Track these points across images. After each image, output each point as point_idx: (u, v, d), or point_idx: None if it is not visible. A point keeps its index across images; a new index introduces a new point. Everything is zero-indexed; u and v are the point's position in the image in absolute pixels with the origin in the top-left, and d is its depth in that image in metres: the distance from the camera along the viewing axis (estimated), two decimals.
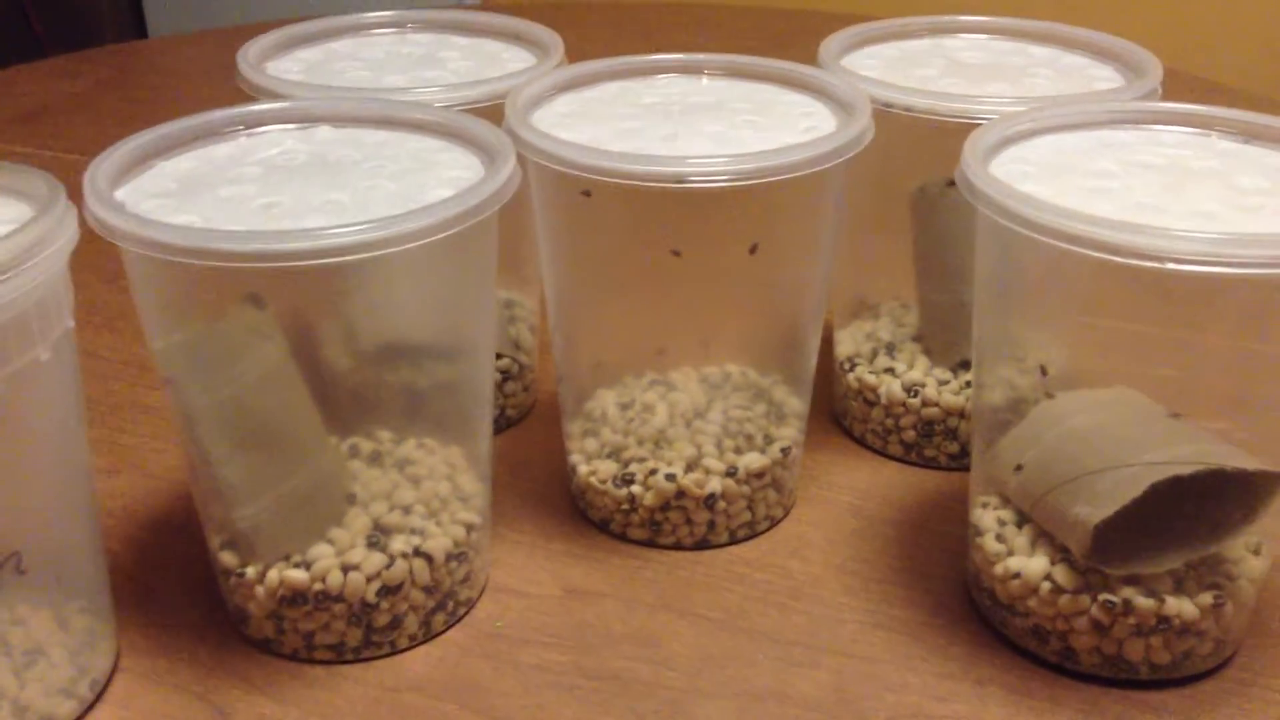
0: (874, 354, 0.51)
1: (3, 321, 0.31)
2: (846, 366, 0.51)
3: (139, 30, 2.01)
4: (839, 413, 0.52)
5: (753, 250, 0.41)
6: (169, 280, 0.35)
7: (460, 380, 0.41)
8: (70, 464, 0.36)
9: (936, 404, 0.48)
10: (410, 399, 0.41)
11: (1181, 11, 1.35)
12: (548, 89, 0.44)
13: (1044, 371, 0.38)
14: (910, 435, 0.49)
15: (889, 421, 0.50)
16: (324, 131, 0.41)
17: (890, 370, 0.50)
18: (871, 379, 0.50)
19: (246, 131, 0.41)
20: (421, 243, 0.33)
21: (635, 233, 0.41)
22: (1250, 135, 0.40)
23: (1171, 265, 0.31)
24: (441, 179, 0.38)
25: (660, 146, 0.41)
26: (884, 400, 0.49)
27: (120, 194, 0.36)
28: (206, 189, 0.37)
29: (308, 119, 0.41)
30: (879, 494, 0.48)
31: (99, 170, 0.36)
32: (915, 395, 0.49)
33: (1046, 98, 0.43)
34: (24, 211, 0.34)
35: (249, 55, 0.47)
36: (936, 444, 0.49)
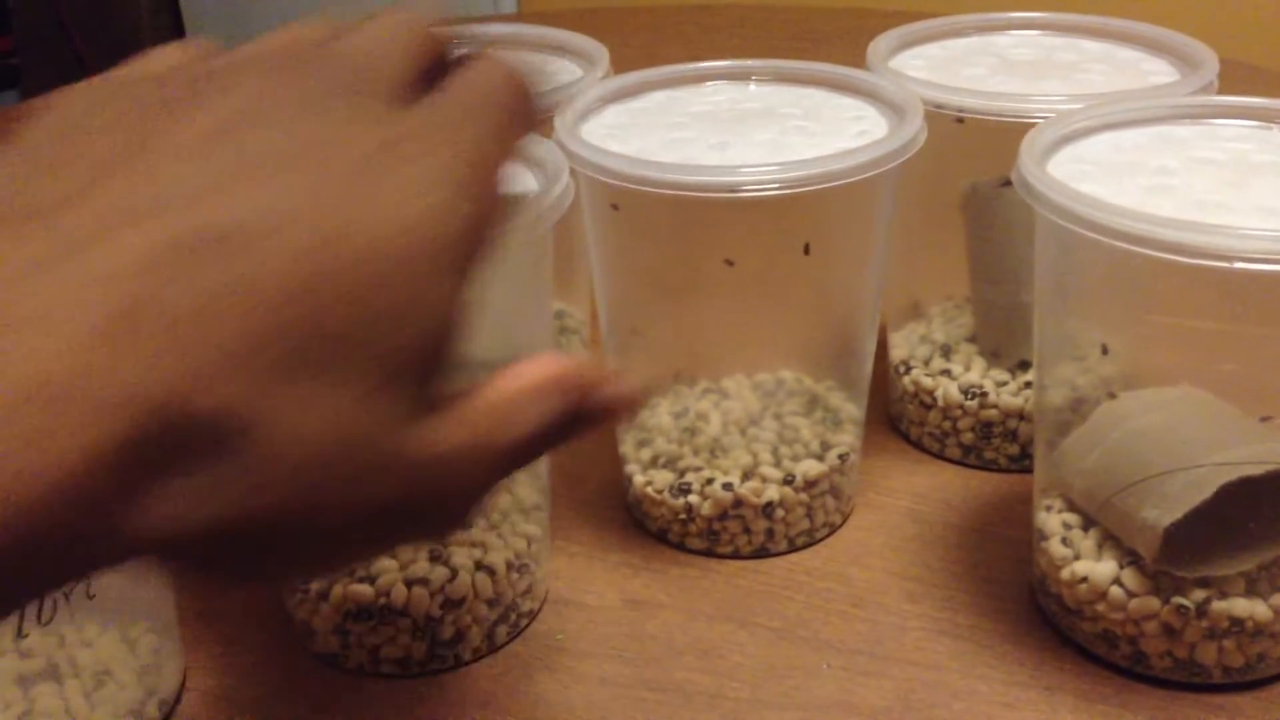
0: (929, 356, 0.50)
1: None
2: (902, 370, 0.51)
3: None
4: (895, 416, 0.52)
5: (806, 250, 0.41)
6: None
7: None
8: None
9: (995, 405, 0.48)
10: None
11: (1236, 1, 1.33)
12: (595, 101, 0.44)
13: (1105, 350, 0.38)
14: (969, 438, 0.49)
15: (946, 424, 0.49)
16: None
17: (947, 372, 0.49)
18: (928, 382, 0.49)
19: None
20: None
21: (687, 243, 0.41)
22: None
23: (1239, 264, 0.31)
24: None
25: (711, 156, 0.41)
26: (941, 403, 0.49)
27: None
28: None
29: None
30: (938, 498, 0.48)
31: None
32: (973, 397, 0.48)
33: (1101, 94, 0.43)
34: None
35: None
36: (996, 446, 0.49)
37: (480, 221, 0.19)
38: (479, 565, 0.39)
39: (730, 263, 0.40)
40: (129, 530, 0.16)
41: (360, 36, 0.21)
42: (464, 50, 0.21)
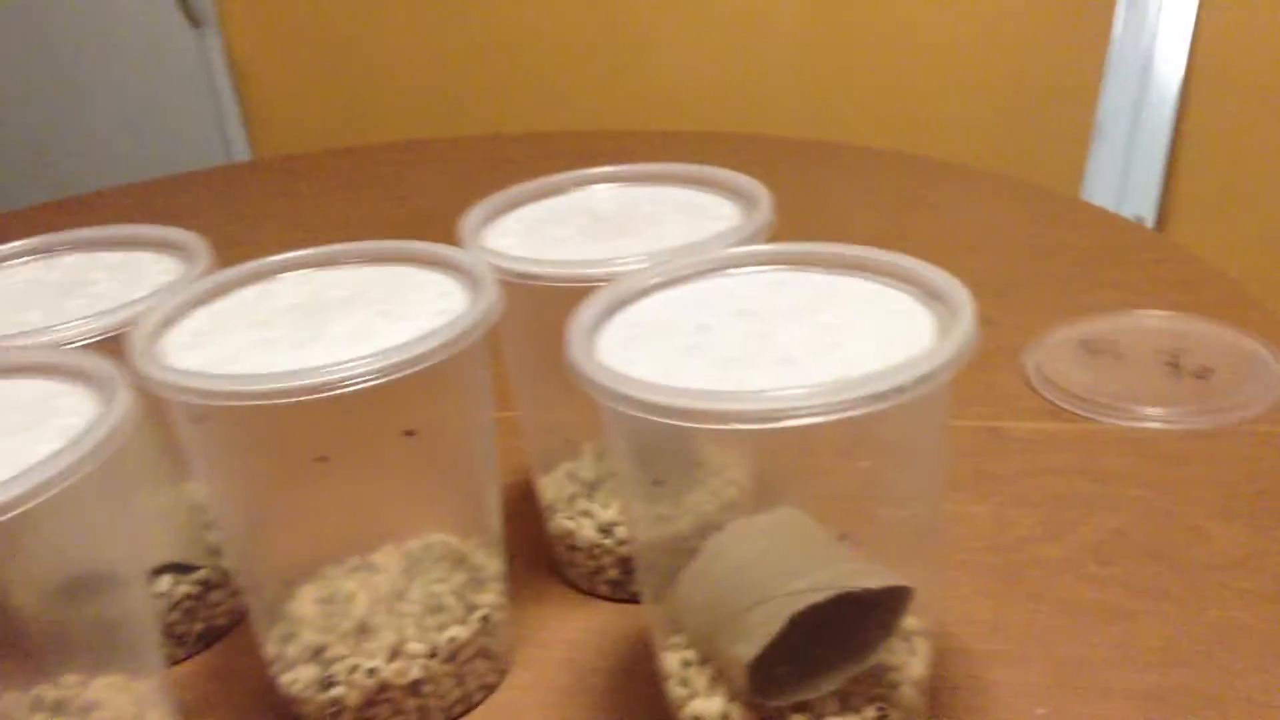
0: (573, 496, 0.52)
1: None
2: (548, 515, 0.52)
3: None
4: (552, 561, 0.53)
5: (410, 434, 0.42)
6: None
7: (118, 611, 0.39)
8: None
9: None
10: (85, 634, 0.40)
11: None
12: (180, 307, 0.44)
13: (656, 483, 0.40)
14: (614, 574, 0.50)
15: (592, 563, 0.50)
16: None
17: (586, 513, 0.51)
18: (569, 524, 0.51)
19: None
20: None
21: (279, 446, 0.41)
22: (843, 266, 0.42)
23: (736, 425, 0.33)
24: (57, 428, 0.37)
25: (293, 356, 0.41)
26: (583, 545, 0.50)
27: None
28: None
29: None
30: (591, 642, 0.49)
31: None
32: (609, 535, 0.50)
33: (666, 249, 0.45)
34: None
35: None
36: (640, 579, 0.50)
37: None
38: None
39: (325, 459, 0.40)
40: None
41: None
42: None
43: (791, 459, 0.39)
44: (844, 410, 0.33)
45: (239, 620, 0.52)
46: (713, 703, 0.40)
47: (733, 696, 0.39)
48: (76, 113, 1.80)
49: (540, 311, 0.45)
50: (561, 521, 0.51)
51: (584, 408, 0.51)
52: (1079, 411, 0.61)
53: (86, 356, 0.39)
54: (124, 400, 0.37)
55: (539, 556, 0.53)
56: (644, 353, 0.38)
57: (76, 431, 0.35)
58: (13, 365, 0.40)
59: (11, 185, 1.84)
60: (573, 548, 0.51)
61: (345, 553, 0.46)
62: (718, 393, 0.34)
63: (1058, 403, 0.62)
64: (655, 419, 0.34)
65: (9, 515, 0.32)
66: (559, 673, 0.47)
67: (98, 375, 0.39)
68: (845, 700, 0.39)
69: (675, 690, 0.41)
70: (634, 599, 0.50)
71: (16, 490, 0.32)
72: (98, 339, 0.42)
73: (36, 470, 0.33)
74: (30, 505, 0.32)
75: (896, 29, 1.43)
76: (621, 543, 0.50)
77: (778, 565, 0.39)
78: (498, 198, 0.51)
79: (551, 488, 0.53)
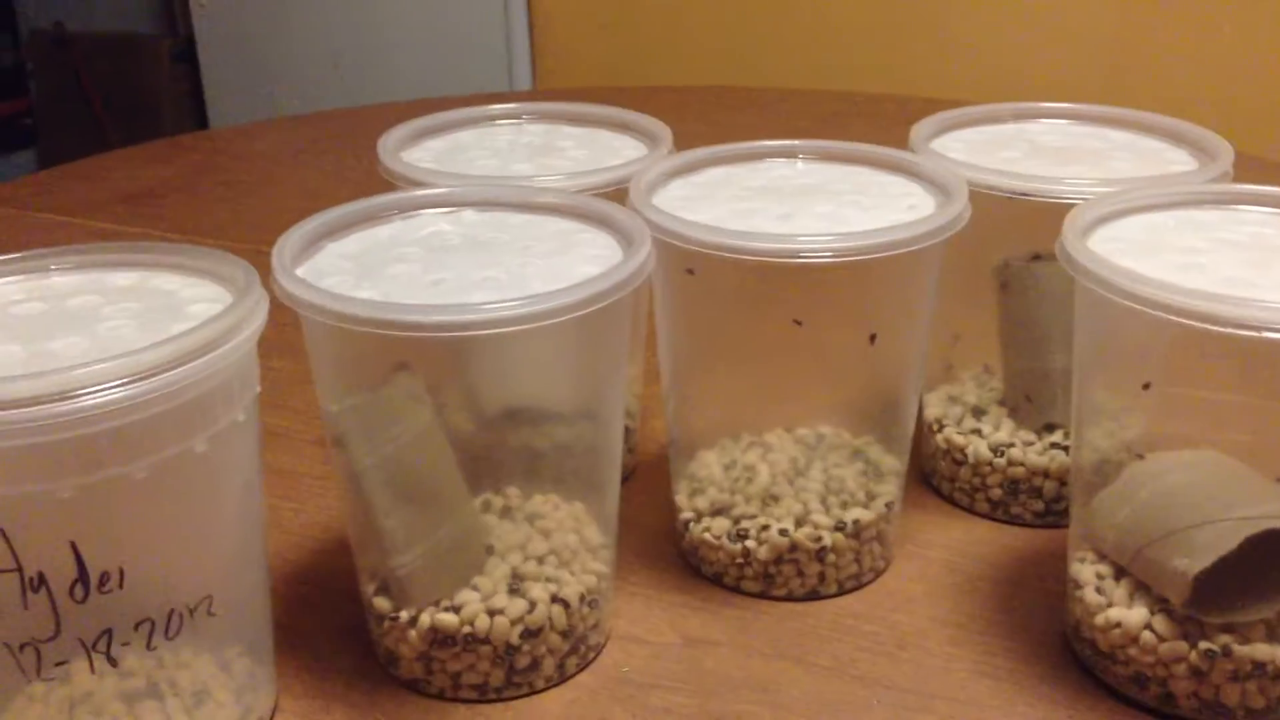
0: (961, 416, 0.54)
1: (214, 387, 0.35)
2: (935, 428, 0.54)
3: (200, 123, 2.09)
4: (928, 472, 0.55)
5: (873, 340, 0.45)
6: (350, 350, 0.39)
7: (592, 441, 0.44)
8: (253, 514, 0.39)
9: (1022, 464, 0.51)
10: (540, 459, 0.44)
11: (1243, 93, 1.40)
12: (662, 175, 0.48)
13: (1146, 386, 0.41)
14: (997, 493, 0.52)
15: (976, 480, 0.52)
16: (469, 215, 0.45)
17: (977, 431, 0.53)
18: (959, 439, 0.53)
19: (401, 215, 0.45)
20: (578, 315, 0.37)
21: (755, 305, 0.45)
22: None
23: (1268, 334, 0.34)
24: (585, 257, 0.41)
25: (777, 225, 0.44)
26: (971, 460, 0.52)
27: (301, 272, 0.40)
28: (377, 267, 0.41)
29: (454, 203, 0.45)
30: (972, 550, 0.51)
31: (284, 250, 0.40)
32: (1001, 455, 0.51)
33: (1126, 179, 0.47)
34: (219, 292, 0.38)
35: (387, 145, 0.51)
36: (1022, 502, 0.52)
37: None
38: (554, 598, 0.42)
39: (799, 323, 0.44)
40: None
41: None
42: None
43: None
44: None
45: (630, 475, 0.56)
46: (1135, 612, 0.41)
47: (1155, 608, 0.41)
48: (371, 27, 1.90)
49: (980, 225, 0.47)
50: (953, 435, 0.53)
51: (974, 335, 0.54)
52: None
53: (609, 204, 0.44)
54: (647, 243, 0.41)
55: (910, 468, 0.55)
56: (1135, 264, 0.39)
57: (610, 261, 0.40)
58: (536, 204, 0.45)
59: (311, 92, 1.97)
60: (959, 463, 0.53)
61: (741, 429, 0.50)
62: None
63: None
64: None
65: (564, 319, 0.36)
66: (941, 572, 0.49)
67: (616, 222, 0.43)
68: (1273, 630, 0.40)
69: (1092, 597, 0.42)
70: (1013, 520, 0.52)
71: (568, 299, 0.37)
72: (600, 191, 0.47)
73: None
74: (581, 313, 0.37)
75: None
76: (1012, 464, 0.51)
77: (1219, 493, 0.40)
78: (941, 117, 0.53)
79: (936, 405, 0.55)
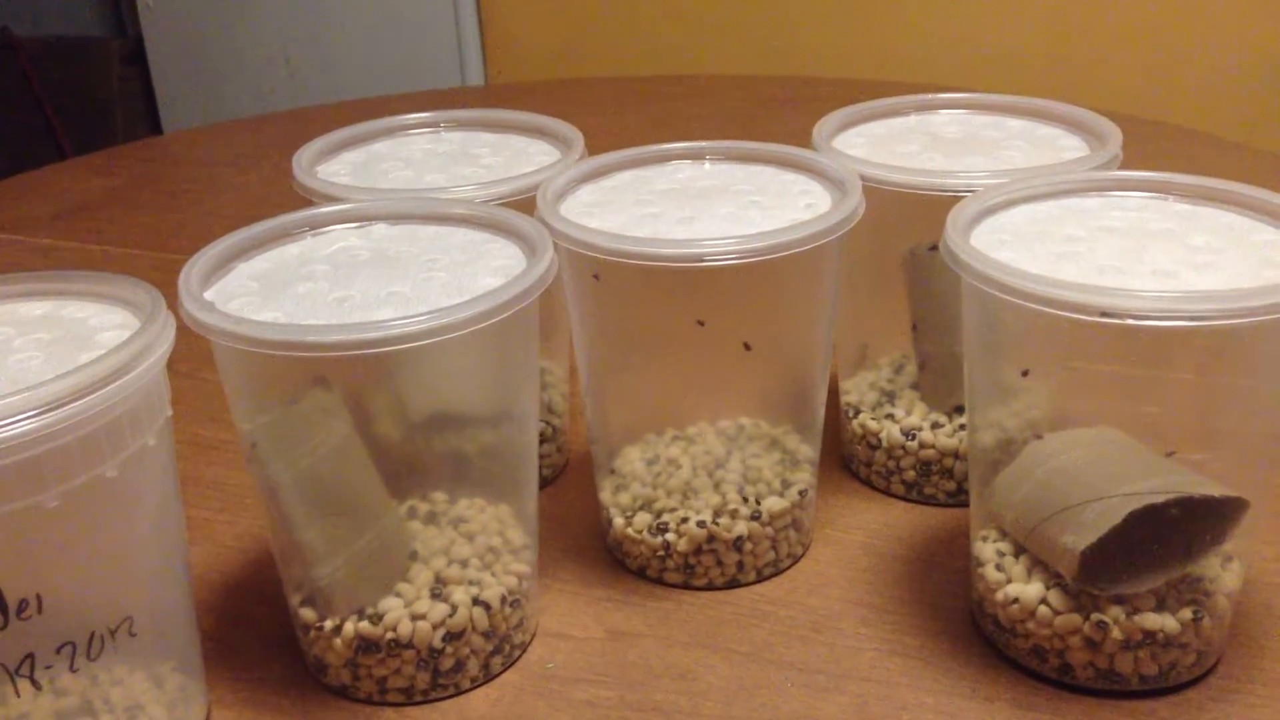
0: (876, 402, 0.56)
1: (121, 414, 0.36)
2: (851, 413, 0.56)
3: (153, 124, 2.08)
4: (846, 457, 0.57)
5: (747, 347, 0.47)
6: (258, 370, 0.40)
7: (509, 444, 0.45)
8: (171, 534, 0.40)
9: (933, 446, 0.53)
10: (461, 463, 0.46)
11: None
12: (571, 181, 0.49)
13: (1024, 374, 0.43)
14: (910, 475, 0.54)
15: (890, 463, 0.54)
16: (381, 229, 0.46)
17: (890, 416, 0.54)
18: (874, 424, 0.54)
19: (312, 232, 0.46)
20: (480, 326, 0.38)
21: (660, 307, 0.46)
22: (1203, 198, 0.45)
23: (1130, 320, 0.36)
24: (490, 268, 0.42)
25: (680, 229, 0.46)
26: (885, 444, 0.54)
27: (209, 294, 0.41)
28: (285, 286, 0.42)
29: (365, 218, 0.47)
30: (887, 532, 0.52)
31: (190, 274, 0.41)
32: (913, 438, 0.53)
33: (1019, 169, 0.48)
34: (127, 318, 0.39)
35: (302, 161, 0.52)
36: (934, 483, 0.54)
37: None
38: (476, 600, 0.44)
39: (701, 323, 0.45)
40: None
41: None
42: None
43: (1149, 365, 0.41)
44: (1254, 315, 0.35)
45: (560, 474, 0.58)
46: (1031, 587, 0.43)
47: (1050, 583, 0.43)
48: (321, 24, 1.89)
49: (884, 218, 0.48)
50: (866, 421, 0.55)
51: (888, 323, 0.55)
52: None
53: (515, 214, 0.45)
54: (550, 252, 0.42)
55: (830, 453, 0.57)
56: (1016, 255, 0.41)
57: (513, 271, 0.41)
58: (446, 215, 0.46)
59: (263, 88, 1.96)
60: (874, 447, 0.54)
61: (665, 424, 0.51)
62: (1115, 289, 0.37)
63: None
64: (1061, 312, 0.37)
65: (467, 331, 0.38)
66: (858, 554, 0.51)
67: (521, 231, 0.44)
68: (1161, 600, 0.42)
69: (992, 574, 0.44)
70: (927, 500, 0.54)
71: (469, 312, 0.38)
72: (510, 200, 0.48)
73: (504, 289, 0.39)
74: (483, 325, 0.38)
75: None
76: (924, 446, 0.53)
77: (1108, 470, 0.42)
78: (844, 112, 0.55)
79: (854, 391, 0.57)
